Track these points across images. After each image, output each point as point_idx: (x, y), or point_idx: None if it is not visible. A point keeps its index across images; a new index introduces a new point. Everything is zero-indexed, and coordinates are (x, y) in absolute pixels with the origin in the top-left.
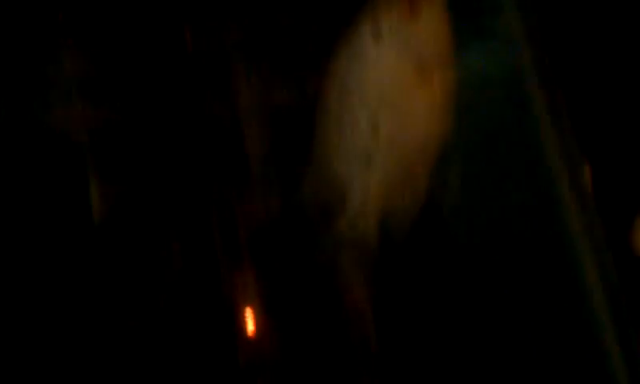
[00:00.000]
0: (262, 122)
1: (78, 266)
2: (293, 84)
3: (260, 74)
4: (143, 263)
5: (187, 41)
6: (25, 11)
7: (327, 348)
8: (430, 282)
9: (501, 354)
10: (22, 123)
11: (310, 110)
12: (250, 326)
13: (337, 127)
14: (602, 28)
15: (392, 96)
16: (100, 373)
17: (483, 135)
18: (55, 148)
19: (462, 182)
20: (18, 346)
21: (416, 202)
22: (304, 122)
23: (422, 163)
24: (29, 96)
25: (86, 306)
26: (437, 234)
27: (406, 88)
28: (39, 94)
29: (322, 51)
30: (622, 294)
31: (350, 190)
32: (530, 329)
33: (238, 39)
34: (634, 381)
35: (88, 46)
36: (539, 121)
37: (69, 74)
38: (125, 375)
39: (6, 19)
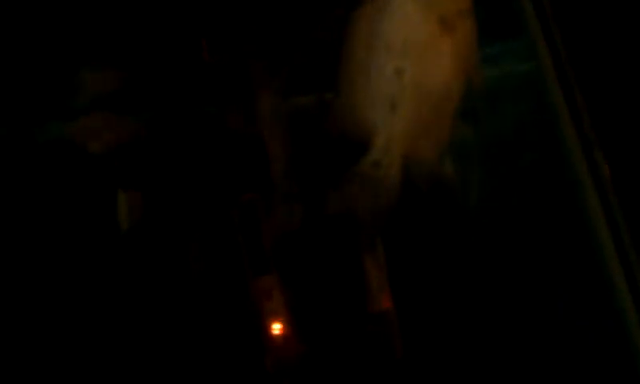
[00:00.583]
0: (283, 129)
1: (105, 273)
2: (312, 90)
3: (279, 81)
4: (170, 271)
5: (204, 51)
6: (48, 27)
7: (352, 351)
8: (455, 284)
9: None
10: (47, 135)
11: (328, 115)
12: (276, 330)
13: (362, 72)
14: (620, 24)
15: (416, 44)
16: (125, 373)
17: (504, 131)
18: (81, 159)
19: (483, 175)
20: (47, 344)
21: (439, 146)
22: (323, 128)
23: (445, 109)
24: (53, 109)
25: (112, 310)
26: (456, 225)
27: (430, 37)
28: (63, 107)
29: (338, 57)
30: None
31: (374, 132)
32: (552, 321)
33: (255, 48)
34: None
35: (108, 59)
36: (558, 115)
37: (91, 86)
38: (150, 377)
39: (30, 35)
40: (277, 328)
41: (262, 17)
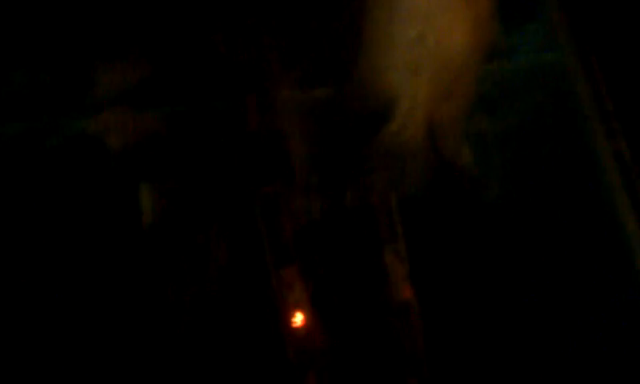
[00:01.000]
0: (301, 121)
1: (129, 268)
2: (330, 82)
3: (297, 73)
4: (193, 263)
5: (221, 45)
6: (67, 24)
7: (374, 341)
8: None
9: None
10: (67, 131)
11: (348, 106)
12: (298, 321)
13: (386, 39)
14: None
15: (438, 10)
16: (149, 365)
17: (524, 121)
18: (103, 154)
19: (503, 166)
20: (72, 338)
21: (461, 110)
22: (343, 117)
23: (466, 73)
24: (73, 105)
25: (137, 304)
26: (478, 216)
27: (451, 3)
28: (82, 103)
29: (355, 49)
30: None
31: (398, 97)
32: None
33: (272, 40)
34: None
35: (128, 56)
36: (582, 108)
37: (110, 82)
38: (175, 369)
39: (49, 32)
40: (299, 319)
41: (279, 10)
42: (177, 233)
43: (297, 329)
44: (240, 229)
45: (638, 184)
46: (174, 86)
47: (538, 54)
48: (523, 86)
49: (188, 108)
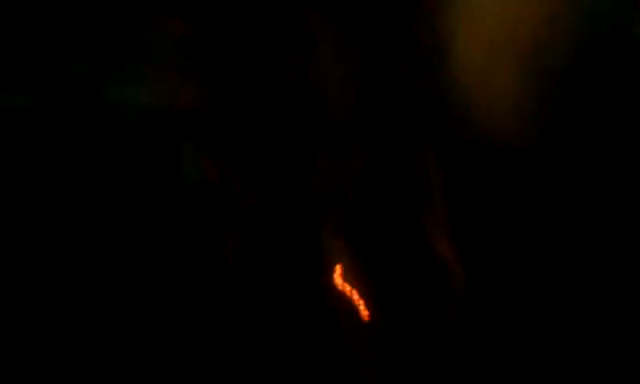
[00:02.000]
0: (344, 81)
1: (171, 225)
2: (372, 43)
3: (339, 34)
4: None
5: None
6: None
7: (420, 302)
8: None
9: None
10: (116, 96)
11: (387, 68)
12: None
13: None
14: None
15: None
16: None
17: None
18: (149, 119)
19: None
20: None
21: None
22: (384, 79)
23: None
24: (124, 68)
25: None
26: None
27: None
28: (133, 70)
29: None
30: None
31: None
32: None
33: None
34: None
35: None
36: None
37: (163, 44)
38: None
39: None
40: (338, 274)
41: None
42: (221, 195)
43: (337, 285)
44: (276, 191)
45: None
46: (222, 53)
47: None
48: None
49: (235, 73)
